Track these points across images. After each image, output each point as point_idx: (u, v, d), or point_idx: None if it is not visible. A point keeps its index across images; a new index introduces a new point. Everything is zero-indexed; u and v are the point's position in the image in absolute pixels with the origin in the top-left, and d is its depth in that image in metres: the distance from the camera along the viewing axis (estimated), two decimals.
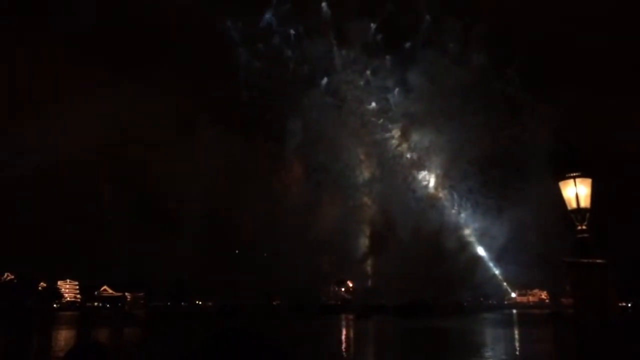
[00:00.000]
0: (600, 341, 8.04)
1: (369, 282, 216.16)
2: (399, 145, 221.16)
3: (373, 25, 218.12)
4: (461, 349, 47.80)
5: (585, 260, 8.33)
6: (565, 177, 8.87)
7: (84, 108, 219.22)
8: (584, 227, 8.55)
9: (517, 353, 45.07)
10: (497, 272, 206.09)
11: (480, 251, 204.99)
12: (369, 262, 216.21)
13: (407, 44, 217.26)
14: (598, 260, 8.20)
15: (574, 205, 8.71)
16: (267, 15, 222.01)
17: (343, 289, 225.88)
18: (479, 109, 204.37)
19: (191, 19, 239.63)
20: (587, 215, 8.65)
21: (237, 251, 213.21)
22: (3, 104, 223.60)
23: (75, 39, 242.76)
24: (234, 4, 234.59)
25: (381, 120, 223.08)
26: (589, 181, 8.83)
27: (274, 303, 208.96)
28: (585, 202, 8.71)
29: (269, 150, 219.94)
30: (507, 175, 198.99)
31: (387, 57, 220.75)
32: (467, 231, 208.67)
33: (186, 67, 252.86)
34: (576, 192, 8.72)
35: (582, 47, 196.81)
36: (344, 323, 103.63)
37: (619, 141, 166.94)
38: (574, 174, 8.78)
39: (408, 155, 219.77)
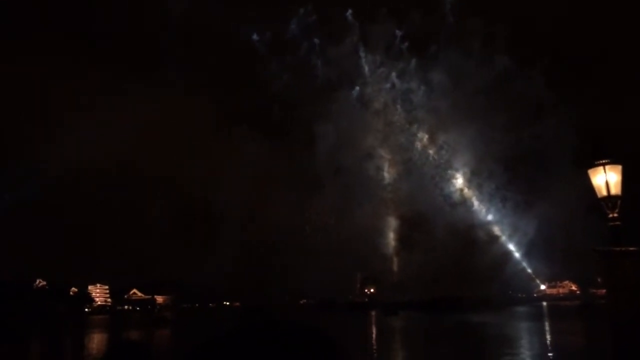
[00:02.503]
0: (633, 330, 7.90)
1: (396, 279, 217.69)
2: (425, 145, 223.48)
3: (398, 32, 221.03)
4: (493, 343, 47.38)
5: (618, 249, 8.16)
6: (594, 165, 8.70)
7: (116, 113, 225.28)
8: (615, 215, 8.37)
9: (549, 346, 44.56)
10: (525, 265, 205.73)
11: (509, 245, 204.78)
12: (397, 259, 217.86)
13: (432, 47, 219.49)
14: (631, 248, 8.03)
15: (604, 193, 8.53)
16: (293, 26, 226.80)
17: (370, 286, 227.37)
18: (503, 108, 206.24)
19: (219, 29, 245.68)
20: (618, 202, 8.46)
21: (264, 252, 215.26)
22: (38, 109, 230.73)
23: (105, 47, 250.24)
24: (260, 15, 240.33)
25: (407, 122, 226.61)
26: (619, 168, 8.63)
27: (301, 302, 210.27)
28: (615, 189, 8.52)
29: (298, 154, 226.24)
30: (533, 172, 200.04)
31: (413, 59, 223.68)
32: (494, 227, 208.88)
33: (218, 76, 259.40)
34: (606, 179, 8.54)
35: (605, 45, 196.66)
36: (371, 319, 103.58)
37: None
38: (604, 161, 8.61)
39: (435, 156, 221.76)
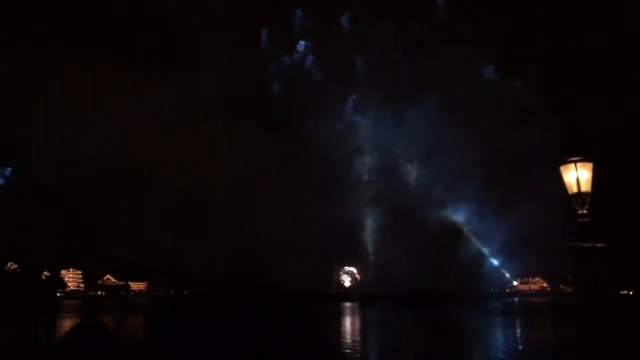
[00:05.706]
0: (600, 325, 8.02)
1: (374, 272, 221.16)
2: (410, 145, 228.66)
3: (393, 37, 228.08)
4: (463, 335, 47.98)
5: (586, 245, 8.27)
6: (566, 162, 8.78)
7: (123, 106, 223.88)
8: (584, 212, 8.47)
9: (518, 338, 45.32)
10: (499, 261, 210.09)
11: (485, 243, 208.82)
12: (375, 253, 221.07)
13: (426, 52, 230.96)
14: (599, 245, 8.14)
15: (574, 189, 8.62)
16: (291, 27, 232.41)
17: (348, 279, 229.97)
18: (488, 114, 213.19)
19: (223, 28, 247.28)
20: (588, 199, 8.56)
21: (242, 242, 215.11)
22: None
23: (112, 43, 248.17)
24: (260, 14, 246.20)
25: (395, 124, 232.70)
26: (590, 165, 8.72)
27: None
28: (586, 186, 8.61)
29: (289, 149, 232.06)
30: (512, 174, 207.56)
31: (406, 64, 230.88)
32: (472, 225, 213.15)
33: (223, 72, 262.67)
34: (577, 176, 8.62)
35: (587, 53, 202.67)
36: (348, 311, 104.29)
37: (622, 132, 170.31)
38: (575, 158, 8.69)
39: (418, 155, 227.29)
